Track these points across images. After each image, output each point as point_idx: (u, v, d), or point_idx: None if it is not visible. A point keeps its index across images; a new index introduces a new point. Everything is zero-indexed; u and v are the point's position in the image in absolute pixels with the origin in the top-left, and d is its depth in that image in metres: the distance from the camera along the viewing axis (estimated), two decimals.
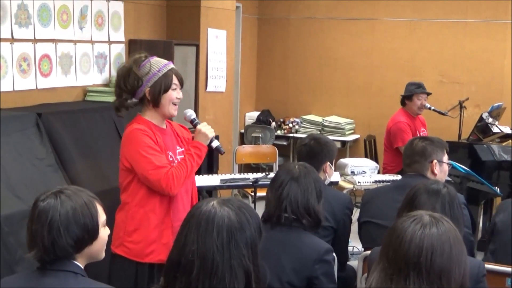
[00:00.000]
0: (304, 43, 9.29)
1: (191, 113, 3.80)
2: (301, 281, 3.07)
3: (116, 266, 3.58)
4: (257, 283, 2.06)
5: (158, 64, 3.60)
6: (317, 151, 4.21)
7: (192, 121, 3.78)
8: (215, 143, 3.67)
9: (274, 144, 8.22)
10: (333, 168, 4.33)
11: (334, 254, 3.28)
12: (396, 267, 2.02)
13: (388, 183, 5.34)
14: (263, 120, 9.02)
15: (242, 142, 8.75)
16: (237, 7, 8.29)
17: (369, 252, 3.70)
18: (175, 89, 3.63)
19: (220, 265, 1.99)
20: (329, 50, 9.17)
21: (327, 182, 4.30)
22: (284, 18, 9.36)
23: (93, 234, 2.37)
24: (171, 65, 3.66)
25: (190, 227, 2.05)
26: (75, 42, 5.68)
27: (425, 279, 1.98)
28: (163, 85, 3.57)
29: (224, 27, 7.55)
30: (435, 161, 4.08)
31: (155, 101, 3.58)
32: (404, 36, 8.82)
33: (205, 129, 3.64)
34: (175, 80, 3.62)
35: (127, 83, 3.55)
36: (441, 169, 4.09)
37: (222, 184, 5.38)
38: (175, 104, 3.64)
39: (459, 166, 5.04)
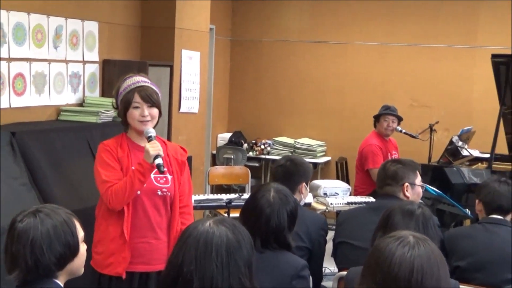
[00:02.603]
0: (277, 65, 9.36)
1: (149, 131, 3.73)
2: None
3: (87, 277, 3.59)
4: None
5: (128, 83, 3.71)
6: (293, 172, 4.24)
7: (147, 138, 3.76)
8: (158, 161, 3.60)
9: (246, 166, 8.24)
10: (308, 189, 4.36)
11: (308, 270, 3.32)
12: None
13: (362, 205, 5.39)
14: (235, 141, 9.05)
15: (214, 163, 8.77)
16: (211, 29, 8.34)
17: (344, 272, 3.73)
18: (138, 107, 3.68)
19: (219, 284, 2.03)
20: (302, 72, 9.25)
21: (302, 203, 4.33)
22: (257, 40, 9.43)
23: (74, 250, 2.39)
24: (141, 84, 3.71)
25: (188, 247, 2.08)
26: (49, 61, 5.67)
27: None
28: (124, 103, 3.70)
29: (197, 48, 7.58)
30: (406, 184, 4.13)
31: (122, 118, 3.77)
32: (376, 60, 8.93)
33: (149, 146, 3.61)
34: (136, 98, 3.66)
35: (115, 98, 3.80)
36: (413, 191, 4.13)
37: (196, 204, 5.37)
38: (143, 121, 3.70)
39: (430, 188, 5.10)
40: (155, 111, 3.73)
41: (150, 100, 3.69)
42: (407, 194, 4.10)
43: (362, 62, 9.02)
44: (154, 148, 3.60)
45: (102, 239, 3.70)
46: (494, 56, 6.72)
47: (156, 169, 3.60)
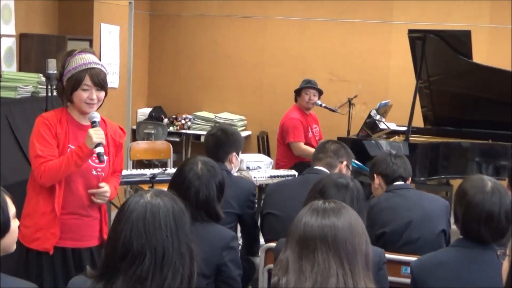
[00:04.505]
0: (196, 40, 9.32)
1: (94, 115, 3.68)
2: (211, 270, 3.16)
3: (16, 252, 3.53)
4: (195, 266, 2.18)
5: (79, 61, 3.58)
6: (224, 142, 4.29)
7: (92, 123, 3.72)
8: (99, 149, 3.58)
9: (166, 140, 8.20)
10: (239, 159, 4.41)
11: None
12: (304, 244, 2.14)
13: (288, 178, 5.53)
14: (155, 116, 8.99)
15: (134, 138, 8.69)
16: (130, 3, 8.23)
17: (272, 244, 3.80)
18: (87, 89, 3.59)
19: (171, 254, 2.08)
20: (221, 47, 9.25)
21: (233, 172, 4.39)
22: (176, 14, 9.36)
23: (5, 227, 2.33)
24: (92, 65, 3.61)
25: (135, 222, 2.09)
26: None
27: (331, 248, 2.11)
28: (72, 83, 3.58)
29: (117, 22, 7.48)
30: (345, 163, 4.28)
31: (67, 96, 3.64)
32: (295, 35, 9.00)
33: (93, 133, 3.57)
34: (87, 81, 3.57)
35: (58, 73, 3.67)
36: (346, 173, 4.24)
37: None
38: (89, 104, 3.62)
39: (353, 161, 5.21)
40: (102, 94, 3.66)
41: (101, 84, 3.62)
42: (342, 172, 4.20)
43: (281, 37, 9.08)
44: (97, 135, 3.55)
45: (32, 213, 3.64)
46: (410, 31, 6.86)
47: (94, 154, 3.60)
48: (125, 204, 2.17)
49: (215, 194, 3.33)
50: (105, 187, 3.71)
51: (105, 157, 3.61)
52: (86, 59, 3.62)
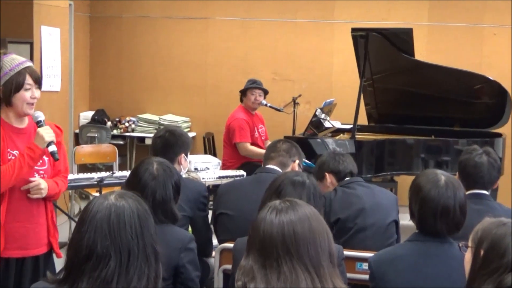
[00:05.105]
0: (138, 41, 9.23)
1: (38, 115, 3.66)
2: (168, 272, 3.13)
3: None
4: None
5: (11, 62, 3.49)
6: (172, 143, 4.24)
7: (37, 123, 3.67)
8: (52, 148, 3.57)
9: (111, 144, 8.10)
10: (187, 160, 4.37)
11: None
12: (266, 253, 2.10)
13: (238, 178, 5.57)
14: (98, 119, 8.86)
15: (77, 142, 8.55)
16: (69, 5, 8.10)
17: (227, 244, 3.78)
18: (29, 89, 3.53)
19: (136, 255, 2.05)
20: (163, 48, 9.17)
21: (182, 173, 4.35)
22: (117, 16, 9.25)
23: None
24: (27, 64, 3.56)
25: (99, 223, 2.06)
26: None
27: (294, 255, 2.07)
28: (14, 85, 3.48)
29: (57, 24, 7.36)
30: (297, 161, 4.31)
31: (6, 100, 3.50)
32: (238, 35, 9.00)
33: (44, 132, 3.54)
34: (28, 80, 3.51)
35: None
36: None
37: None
38: (31, 104, 3.55)
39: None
40: (39, 92, 3.61)
41: (39, 82, 3.58)
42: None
43: (224, 37, 9.06)
44: (48, 134, 3.52)
45: None
46: (353, 29, 6.94)
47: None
48: (89, 206, 2.13)
49: (171, 194, 3.30)
50: (37, 180, 3.60)
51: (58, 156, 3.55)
52: (17, 59, 3.54)
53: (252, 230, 2.19)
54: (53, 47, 7.24)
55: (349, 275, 3.60)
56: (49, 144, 3.54)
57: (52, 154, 3.54)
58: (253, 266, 2.12)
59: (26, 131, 3.62)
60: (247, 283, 2.08)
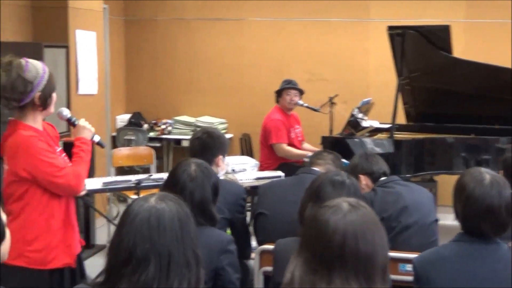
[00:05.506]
0: (173, 44, 9.24)
1: (67, 112, 3.71)
2: (208, 274, 3.07)
3: (14, 279, 3.40)
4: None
5: (39, 66, 3.44)
6: (210, 145, 4.19)
7: (69, 120, 3.69)
8: (97, 138, 3.67)
9: (147, 146, 8.11)
10: (225, 162, 4.34)
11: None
12: (321, 259, 2.00)
13: (279, 178, 5.58)
14: (135, 122, 8.90)
15: (114, 145, 8.59)
16: (104, 9, 8.13)
17: (267, 246, 3.74)
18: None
19: (177, 259, 2.00)
20: (198, 50, 9.17)
21: (219, 175, 4.31)
22: (152, 19, 9.27)
23: (2, 234, 2.27)
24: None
25: (139, 227, 2.02)
26: None
27: (350, 268, 1.97)
28: (51, 88, 3.46)
29: (92, 28, 7.40)
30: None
31: (45, 104, 3.45)
32: (272, 35, 8.96)
33: (86, 124, 3.62)
34: (55, 83, 3.54)
35: (16, 90, 3.33)
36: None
37: (105, 187, 5.25)
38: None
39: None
40: None
41: None
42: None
43: (258, 38, 9.03)
44: (89, 125, 3.60)
45: (42, 234, 3.44)
46: (390, 28, 6.85)
47: None
48: (129, 208, 2.09)
49: (210, 195, 3.26)
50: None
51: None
52: (39, 63, 3.48)
53: (309, 229, 2.09)
54: (88, 51, 7.28)
55: (392, 276, 3.53)
56: (93, 134, 3.64)
57: (99, 143, 3.62)
58: (301, 269, 2.05)
59: (45, 134, 3.59)
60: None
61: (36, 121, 3.48)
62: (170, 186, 3.26)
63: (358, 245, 1.98)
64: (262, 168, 6.80)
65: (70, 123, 3.71)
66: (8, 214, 3.18)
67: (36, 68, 3.42)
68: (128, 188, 5.42)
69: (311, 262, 2.02)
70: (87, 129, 3.60)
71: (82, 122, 3.63)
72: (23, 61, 3.41)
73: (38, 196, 3.42)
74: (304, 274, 2.01)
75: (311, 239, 2.06)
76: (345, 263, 1.97)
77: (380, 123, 7.36)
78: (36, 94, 3.39)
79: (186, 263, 2.03)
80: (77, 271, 3.64)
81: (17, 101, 3.37)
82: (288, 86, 7.13)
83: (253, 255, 4.10)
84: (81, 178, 3.47)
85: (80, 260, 3.71)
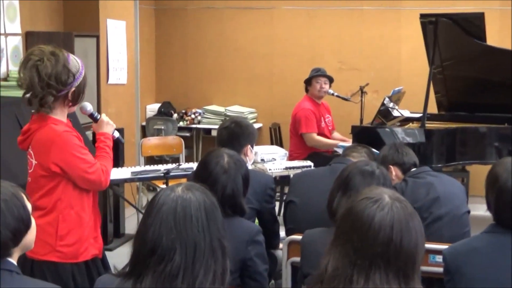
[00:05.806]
0: (203, 33, 9.22)
1: (91, 107, 3.70)
2: (235, 265, 3.05)
3: (49, 274, 3.40)
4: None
5: (78, 61, 3.45)
6: (238, 134, 4.15)
7: (91, 115, 3.69)
8: (116, 133, 3.69)
9: (177, 136, 8.11)
10: (253, 151, 4.30)
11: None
12: (363, 254, 1.99)
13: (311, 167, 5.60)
14: (165, 112, 8.90)
15: (144, 135, 8.60)
16: None
17: (295, 237, 3.71)
18: None
19: (202, 249, 1.99)
20: (229, 39, 9.14)
21: (248, 165, 4.28)
22: (182, 8, 9.25)
23: (28, 223, 2.30)
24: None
25: (164, 216, 2.01)
26: None
27: (392, 266, 1.97)
28: (85, 84, 3.46)
29: (123, 17, 7.41)
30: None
31: (77, 99, 3.45)
32: (303, 24, 8.89)
33: (108, 119, 3.64)
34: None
35: (59, 80, 3.31)
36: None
37: (134, 176, 5.25)
38: None
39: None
40: None
41: None
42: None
43: (289, 27, 8.96)
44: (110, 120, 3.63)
45: (74, 228, 3.44)
46: (422, 16, 6.74)
47: None
48: (155, 198, 2.08)
49: (241, 188, 3.25)
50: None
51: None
52: (77, 57, 3.48)
53: (349, 222, 2.06)
54: (119, 40, 7.28)
55: (421, 268, 3.48)
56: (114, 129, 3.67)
57: (119, 139, 3.67)
58: (338, 262, 2.01)
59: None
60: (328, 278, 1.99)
61: (64, 116, 3.48)
62: (201, 177, 3.22)
63: (402, 245, 1.99)
64: (291, 157, 6.77)
65: (93, 118, 3.69)
66: (35, 209, 2.98)
67: (77, 61, 3.43)
68: (157, 178, 5.42)
69: (351, 256, 2.00)
70: (110, 125, 3.61)
71: (104, 117, 3.63)
72: (65, 52, 3.40)
73: (70, 191, 3.42)
74: (341, 267, 1.99)
75: (351, 233, 2.04)
76: (387, 261, 1.97)
77: (411, 112, 7.27)
78: (71, 89, 3.37)
79: (212, 253, 2.01)
80: (103, 262, 3.66)
81: (57, 90, 3.33)
82: (317, 74, 7.07)
83: (281, 245, 4.07)
84: (108, 174, 3.49)
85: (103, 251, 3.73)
